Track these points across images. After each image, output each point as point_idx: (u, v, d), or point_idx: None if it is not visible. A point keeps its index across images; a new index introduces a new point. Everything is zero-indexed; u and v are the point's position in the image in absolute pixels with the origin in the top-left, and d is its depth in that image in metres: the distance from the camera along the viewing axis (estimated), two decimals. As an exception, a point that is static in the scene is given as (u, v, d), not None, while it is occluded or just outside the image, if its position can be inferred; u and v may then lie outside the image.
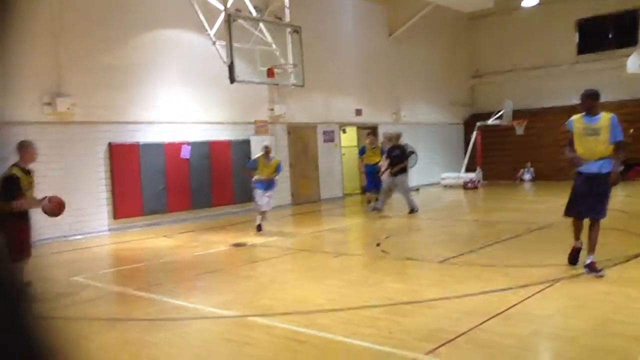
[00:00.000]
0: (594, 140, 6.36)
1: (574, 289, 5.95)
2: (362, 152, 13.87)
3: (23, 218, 6.22)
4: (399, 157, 12.92)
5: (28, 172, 6.41)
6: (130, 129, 12.97)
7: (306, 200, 16.66)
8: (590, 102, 6.58)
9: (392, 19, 20.18)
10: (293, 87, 13.34)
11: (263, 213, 11.11)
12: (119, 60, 12.76)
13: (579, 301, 5.51)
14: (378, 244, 9.10)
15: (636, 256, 7.29)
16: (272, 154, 11.33)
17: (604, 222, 10.62)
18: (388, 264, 7.80)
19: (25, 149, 6.40)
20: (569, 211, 6.72)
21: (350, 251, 8.99)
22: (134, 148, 12.92)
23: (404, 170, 12.92)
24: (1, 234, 6.02)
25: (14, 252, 6.18)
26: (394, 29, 20.20)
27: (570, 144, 6.60)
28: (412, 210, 12.73)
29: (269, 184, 11.08)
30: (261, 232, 10.91)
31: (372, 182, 13.65)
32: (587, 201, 6.44)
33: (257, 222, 11.08)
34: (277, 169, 11.16)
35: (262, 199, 10.97)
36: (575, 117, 6.61)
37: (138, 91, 13.15)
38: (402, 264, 7.67)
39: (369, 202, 13.69)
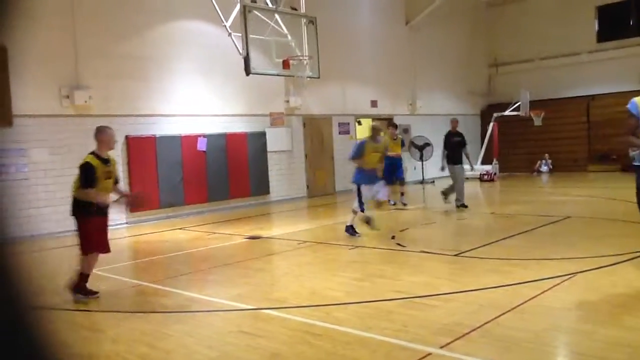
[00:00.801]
0: None
1: (592, 282, 5.87)
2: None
3: (98, 210, 6.07)
4: (461, 144, 12.45)
5: (106, 161, 6.15)
6: (147, 122, 13.06)
7: (321, 192, 16.66)
8: None
9: (409, 7, 20.02)
10: (308, 78, 13.30)
11: (380, 204, 9.39)
12: (136, 53, 12.83)
13: (597, 295, 5.44)
14: (394, 237, 9.07)
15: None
16: (380, 135, 9.35)
17: (624, 214, 10.51)
18: (404, 256, 7.78)
19: (101, 134, 6.15)
20: None
21: (366, 244, 8.96)
22: (151, 141, 13.01)
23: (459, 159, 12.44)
24: (76, 226, 6.07)
25: (82, 246, 6.06)
26: (411, 17, 20.04)
27: (633, 131, 5.50)
28: (463, 205, 12.18)
29: (375, 176, 9.20)
30: (358, 235, 9.18)
31: (390, 174, 13.16)
32: None
33: (365, 217, 9.10)
34: (387, 151, 9.20)
35: (381, 190, 9.14)
36: (639, 98, 5.53)
37: (155, 84, 13.23)
38: (418, 257, 7.64)
39: (402, 194, 13.26)
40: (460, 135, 12.64)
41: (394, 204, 13.19)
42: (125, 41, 12.69)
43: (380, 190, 9.11)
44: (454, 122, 12.79)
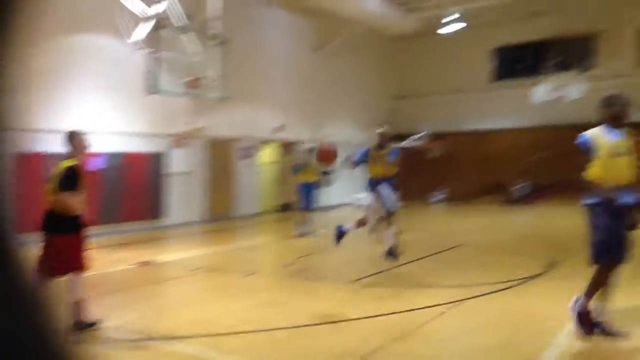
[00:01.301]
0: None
1: (480, 308, 6.12)
2: (298, 169, 13.03)
3: (77, 224, 5.44)
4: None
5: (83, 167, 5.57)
6: (38, 138, 12.27)
7: (222, 216, 16.36)
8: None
9: (320, 35, 20.38)
10: (215, 100, 13.11)
11: (389, 216, 8.24)
12: (32, 63, 12.07)
13: (485, 321, 5.67)
14: (290, 264, 9.01)
15: (534, 277, 7.63)
16: (387, 143, 8.55)
17: (509, 244, 11.12)
18: (299, 284, 7.73)
19: (75, 139, 5.56)
20: (609, 255, 4.79)
21: (262, 271, 8.85)
22: (40, 158, 12.23)
23: None
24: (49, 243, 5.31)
25: (58, 266, 5.26)
26: (321, 45, 20.41)
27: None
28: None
29: (390, 184, 8.34)
30: (395, 257, 8.21)
31: (308, 200, 12.72)
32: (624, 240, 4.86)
33: (388, 242, 8.21)
34: (392, 154, 8.44)
35: (385, 197, 8.15)
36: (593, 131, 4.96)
37: (50, 98, 12.47)
38: (313, 285, 7.63)
39: (301, 222, 12.74)
40: None
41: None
42: (21, 53, 11.91)
43: (392, 199, 8.24)
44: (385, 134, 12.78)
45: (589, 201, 4.85)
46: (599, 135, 4.83)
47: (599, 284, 4.84)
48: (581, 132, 4.95)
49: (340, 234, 8.43)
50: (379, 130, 8.60)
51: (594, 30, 20.58)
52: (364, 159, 8.40)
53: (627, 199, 4.72)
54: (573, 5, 20.14)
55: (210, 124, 15.73)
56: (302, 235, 12.32)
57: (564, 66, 20.18)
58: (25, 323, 0.78)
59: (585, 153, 4.82)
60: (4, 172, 0.79)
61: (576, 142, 4.92)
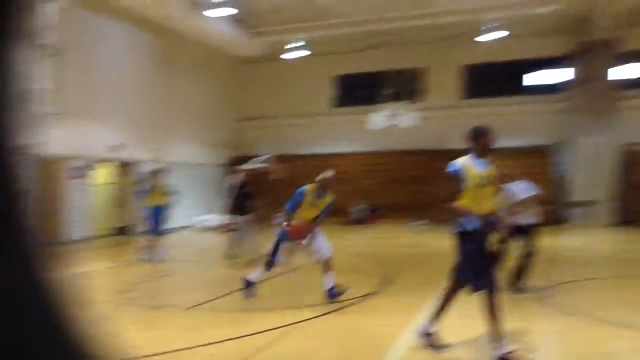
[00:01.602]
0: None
1: (318, 329, 6.21)
2: (144, 192, 12.35)
3: None
4: (251, 195, 12.25)
5: None
6: None
7: (49, 241, 14.98)
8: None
9: (165, 52, 19.77)
10: (45, 114, 12.06)
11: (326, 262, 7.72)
12: None
13: (322, 341, 5.76)
14: (124, 291, 8.49)
15: (368, 295, 7.97)
16: (325, 191, 7.82)
17: (347, 264, 11.51)
18: (134, 312, 7.29)
19: None
20: (489, 281, 4.91)
21: (94, 299, 8.23)
22: None
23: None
24: None
25: None
26: (165, 63, 19.81)
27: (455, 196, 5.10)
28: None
29: (306, 232, 7.73)
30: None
31: (156, 223, 12.10)
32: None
33: (329, 283, 7.56)
34: (326, 209, 7.84)
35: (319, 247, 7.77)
36: (463, 160, 5.12)
37: None
38: (149, 312, 7.25)
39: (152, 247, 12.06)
40: (248, 183, 12.65)
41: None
42: None
43: (323, 246, 7.84)
44: (242, 172, 12.72)
45: (460, 229, 4.98)
46: (468, 165, 4.98)
47: (494, 313, 4.81)
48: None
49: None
50: (323, 175, 7.90)
51: (423, 64, 22.46)
52: (298, 204, 7.63)
53: (492, 226, 4.98)
54: (405, 41, 21.81)
55: (37, 140, 14.43)
56: (148, 260, 11.72)
57: (396, 96, 21.73)
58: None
59: (456, 182, 4.94)
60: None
61: (447, 171, 5.03)
